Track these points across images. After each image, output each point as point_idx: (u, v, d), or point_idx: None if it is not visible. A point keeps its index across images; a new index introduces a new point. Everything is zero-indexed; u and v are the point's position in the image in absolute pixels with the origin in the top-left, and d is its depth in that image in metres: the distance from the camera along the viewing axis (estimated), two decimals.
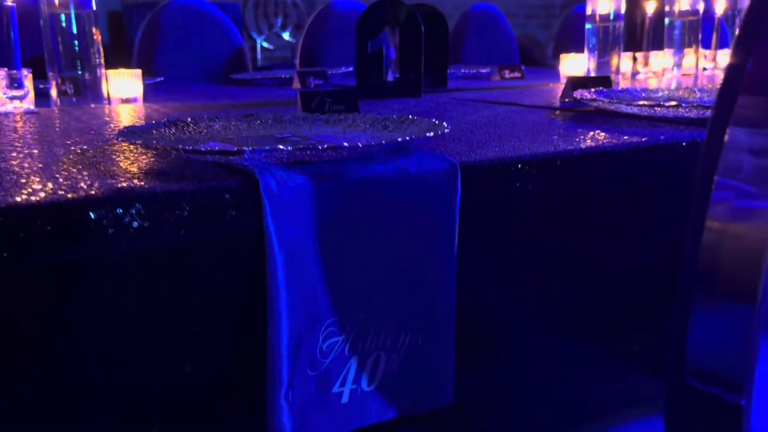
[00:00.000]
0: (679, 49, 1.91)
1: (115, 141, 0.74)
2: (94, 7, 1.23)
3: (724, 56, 2.06)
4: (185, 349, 0.58)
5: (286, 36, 5.01)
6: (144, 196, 0.53)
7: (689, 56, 1.91)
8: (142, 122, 1.04)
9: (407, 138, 0.65)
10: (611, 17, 1.73)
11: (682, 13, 1.90)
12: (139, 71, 1.31)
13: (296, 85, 1.79)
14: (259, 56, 4.92)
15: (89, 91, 1.27)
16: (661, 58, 1.91)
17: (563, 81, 1.78)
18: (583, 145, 0.75)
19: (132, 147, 0.73)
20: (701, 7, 1.91)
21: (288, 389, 0.58)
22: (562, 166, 0.72)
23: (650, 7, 1.84)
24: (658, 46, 1.95)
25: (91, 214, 0.51)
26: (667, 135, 0.82)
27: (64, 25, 1.21)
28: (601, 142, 0.77)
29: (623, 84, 1.75)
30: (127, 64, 3.43)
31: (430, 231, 0.64)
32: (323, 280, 0.59)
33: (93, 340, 0.54)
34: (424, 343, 0.65)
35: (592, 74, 1.77)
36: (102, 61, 1.27)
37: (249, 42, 4.83)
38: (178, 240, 0.54)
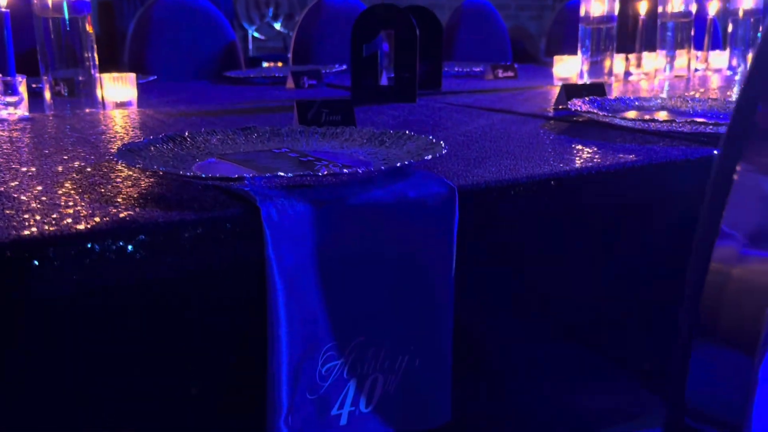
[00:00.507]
0: (672, 50, 1.92)
1: (114, 160, 0.74)
2: (88, 11, 1.22)
3: (716, 57, 2.08)
4: (187, 372, 0.59)
5: (277, 26, 4.98)
6: (146, 227, 0.53)
7: (681, 57, 1.93)
8: (138, 132, 1.04)
9: (406, 162, 0.66)
10: (604, 19, 1.74)
11: (674, 15, 1.91)
12: (133, 75, 1.31)
13: (290, 84, 1.79)
14: (250, 46, 4.89)
15: (83, 94, 1.27)
16: (654, 60, 1.92)
17: (557, 83, 1.79)
18: (577, 165, 0.76)
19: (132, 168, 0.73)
20: (694, 8, 1.92)
21: (288, 414, 0.59)
22: (557, 187, 0.73)
23: (643, 8, 1.85)
24: (651, 47, 1.96)
25: (95, 246, 0.51)
26: (660, 154, 0.83)
27: (57, 28, 1.20)
28: (595, 162, 0.77)
29: (616, 86, 1.76)
30: (118, 56, 3.40)
31: (429, 254, 0.65)
32: (323, 306, 0.60)
33: (96, 367, 0.55)
34: (421, 364, 0.66)
35: (585, 75, 1.78)
36: (96, 63, 1.27)
37: (240, 32, 4.80)
38: (179, 269, 0.55)
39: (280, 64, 4.43)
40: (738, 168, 0.42)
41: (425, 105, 1.36)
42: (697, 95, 1.47)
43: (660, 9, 1.93)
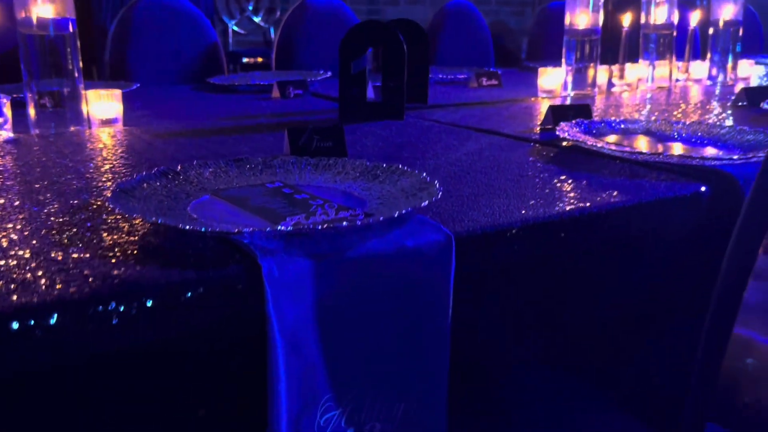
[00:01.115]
0: (654, 61, 1.95)
1: (108, 205, 0.73)
2: (74, 28, 1.21)
3: (697, 67, 2.11)
4: (189, 427, 0.59)
5: (257, 20, 4.94)
6: (147, 290, 0.53)
7: (663, 67, 1.95)
8: (127, 157, 1.03)
9: (402, 210, 0.66)
10: (589, 31, 1.75)
11: (657, 27, 1.93)
12: (119, 92, 1.30)
13: (275, 94, 1.78)
14: (230, 40, 4.85)
15: (68, 108, 1.25)
16: (636, 70, 1.94)
17: (541, 95, 1.80)
18: (567, 208, 0.77)
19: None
20: (676, 18, 1.94)
21: None
22: (549, 230, 0.74)
23: (626, 20, 1.87)
24: (633, 57, 1.98)
25: (97, 308, 0.51)
26: (648, 191, 0.85)
27: (42, 46, 1.18)
28: (584, 204, 0.78)
29: (599, 98, 1.78)
30: (96, 52, 3.35)
31: (426, 301, 0.66)
32: (321, 358, 0.61)
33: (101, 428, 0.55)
34: (418, 409, 0.67)
35: (569, 87, 1.80)
36: (82, 79, 1.25)
37: (220, 26, 4.75)
38: (179, 328, 0.55)
39: (260, 59, 4.40)
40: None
41: (413, 123, 1.36)
42: (679, 114, 1.49)
43: (643, 20, 1.95)
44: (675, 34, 1.93)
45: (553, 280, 0.79)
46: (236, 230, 0.60)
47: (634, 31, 1.93)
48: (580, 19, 1.75)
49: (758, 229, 0.43)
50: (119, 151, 1.08)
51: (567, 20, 1.78)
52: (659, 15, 1.92)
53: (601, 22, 1.78)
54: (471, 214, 0.74)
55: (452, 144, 1.15)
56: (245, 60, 4.35)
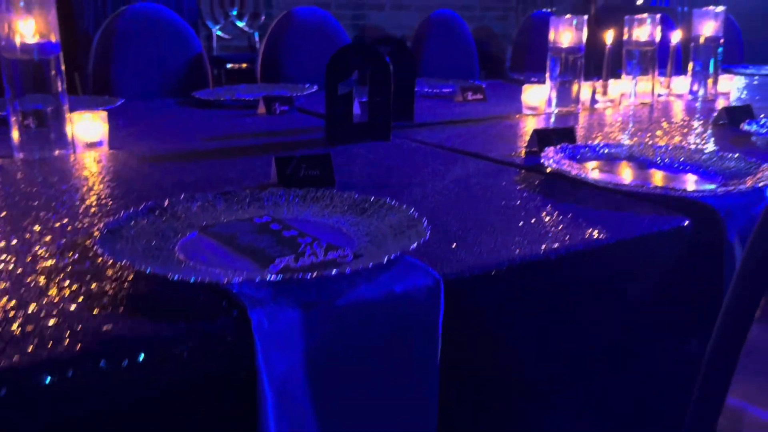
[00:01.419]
0: (636, 77, 1.97)
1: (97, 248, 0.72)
2: (58, 52, 1.20)
3: (679, 83, 2.13)
4: None
5: (242, 25, 4.92)
6: (137, 345, 0.53)
7: (646, 83, 1.97)
8: (114, 186, 1.02)
9: (392, 257, 0.67)
10: (573, 49, 1.77)
11: (639, 43, 1.95)
12: (104, 114, 1.29)
13: (261, 110, 1.78)
14: (214, 45, 4.82)
15: (53, 129, 1.24)
16: (619, 86, 1.96)
17: (525, 111, 1.82)
18: (555, 245, 0.78)
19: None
20: (658, 35, 1.97)
21: None
22: (538, 267, 0.75)
23: (609, 38, 1.89)
24: (616, 73, 2.00)
25: (86, 366, 0.51)
26: (633, 226, 0.86)
27: (26, 70, 1.18)
28: (569, 241, 0.79)
29: (583, 114, 1.79)
30: (79, 58, 3.32)
31: (415, 345, 0.66)
32: (311, 406, 0.61)
33: None
34: None
35: (553, 103, 1.81)
36: (66, 99, 1.24)
37: (204, 31, 4.73)
38: (168, 381, 0.55)
39: (244, 65, 4.39)
40: None
41: (399, 144, 1.37)
42: (661, 134, 1.51)
43: (626, 37, 1.97)
44: (656, 49, 1.95)
45: (531, 317, 0.79)
46: (225, 280, 0.60)
47: (617, 48, 1.95)
48: (564, 37, 1.77)
49: (751, 299, 0.44)
50: (106, 179, 1.07)
51: (551, 37, 1.80)
52: (642, 33, 1.94)
53: (584, 39, 1.80)
54: (459, 253, 0.75)
55: (439, 169, 1.16)
56: (230, 66, 4.33)
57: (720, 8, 2.08)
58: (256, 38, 4.87)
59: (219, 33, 4.82)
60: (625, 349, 0.86)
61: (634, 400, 0.87)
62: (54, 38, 1.20)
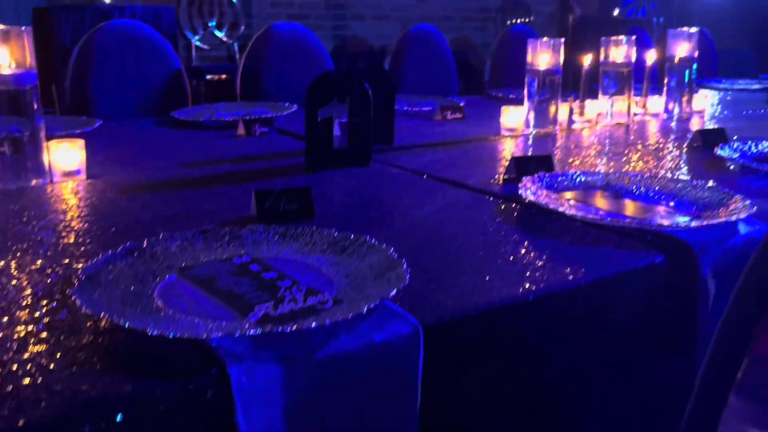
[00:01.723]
0: (613, 97, 2.00)
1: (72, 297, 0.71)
2: (34, 81, 1.19)
3: (654, 102, 2.16)
4: None
5: (221, 35, 4.90)
6: (115, 405, 0.53)
7: (622, 103, 2.00)
8: (92, 221, 1.02)
9: (372, 306, 0.67)
10: (550, 72, 1.79)
11: (615, 65, 1.98)
12: (82, 142, 1.28)
13: (240, 131, 1.78)
14: (193, 55, 4.80)
15: (29, 158, 1.23)
16: (596, 105, 1.99)
17: (504, 133, 1.83)
18: (533, 288, 0.79)
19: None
20: (633, 56, 2.00)
21: None
22: (517, 308, 0.76)
23: (587, 60, 1.91)
24: (593, 94, 2.03)
25: (65, 429, 0.51)
26: (610, 263, 0.87)
27: (1, 99, 1.16)
28: (550, 284, 0.81)
29: (560, 135, 1.82)
30: (57, 69, 3.28)
31: (394, 393, 0.67)
32: None
33: None
34: None
35: (531, 124, 1.83)
36: (43, 127, 1.23)
37: (183, 41, 4.71)
38: None
39: (224, 76, 4.37)
40: None
41: (379, 171, 1.38)
42: (636, 158, 1.54)
43: (602, 58, 2.00)
44: (632, 69, 1.98)
45: (510, 356, 0.80)
46: (204, 335, 0.60)
47: (594, 69, 1.98)
48: (542, 59, 1.79)
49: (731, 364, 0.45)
50: (84, 213, 1.06)
51: (529, 58, 1.82)
52: (618, 54, 1.97)
53: (561, 62, 1.82)
54: (438, 297, 0.76)
55: (418, 199, 1.16)
56: (209, 77, 4.31)
57: (693, 29, 2.12)
58: (236, 49, 4.86)
59: (198, 43, 4.80)
60: (608, 382, 0.87)
61: None
62: (30, 65, 1.19)
